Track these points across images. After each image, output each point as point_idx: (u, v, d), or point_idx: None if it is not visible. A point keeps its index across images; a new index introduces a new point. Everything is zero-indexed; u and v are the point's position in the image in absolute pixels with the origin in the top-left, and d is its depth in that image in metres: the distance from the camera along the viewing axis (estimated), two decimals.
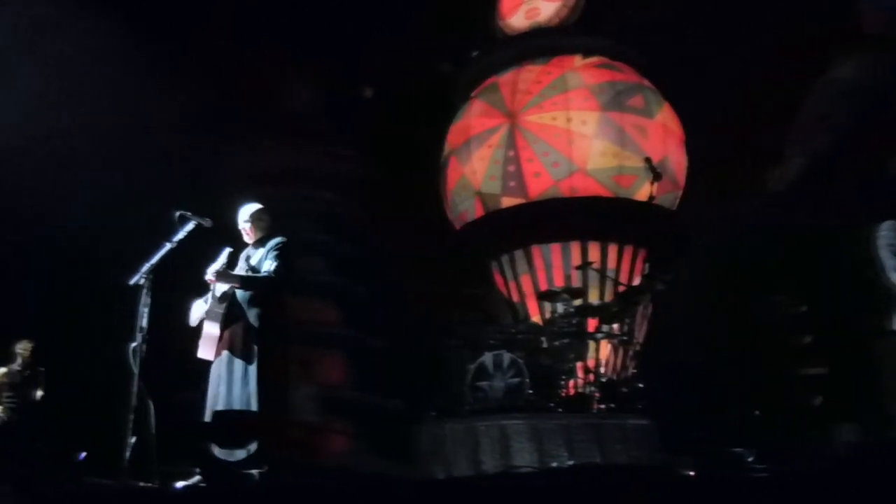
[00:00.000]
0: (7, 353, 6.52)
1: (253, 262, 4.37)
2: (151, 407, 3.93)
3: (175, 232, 4.15)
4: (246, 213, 4.55)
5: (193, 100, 8.71)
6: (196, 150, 9.16)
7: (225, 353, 4.19)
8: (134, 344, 3.87)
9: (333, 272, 10.85)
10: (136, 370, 3.83)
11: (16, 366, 6.46)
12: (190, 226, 4.19)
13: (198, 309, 4.40)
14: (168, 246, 4.11)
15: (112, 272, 4.38)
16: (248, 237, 4.55)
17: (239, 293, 4.29)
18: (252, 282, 4.26)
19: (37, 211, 7.57)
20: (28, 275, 7.73)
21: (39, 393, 6.42)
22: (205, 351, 4.25)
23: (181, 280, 4.55)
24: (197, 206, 4.39)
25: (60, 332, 7.07)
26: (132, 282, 3.97)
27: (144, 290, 3.97)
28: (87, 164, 7.84)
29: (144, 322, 3.93)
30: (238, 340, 4.20)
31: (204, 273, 4.31)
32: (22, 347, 6.50)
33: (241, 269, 4.43)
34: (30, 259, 7.79)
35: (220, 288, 4.28)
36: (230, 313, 4.25)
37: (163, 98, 8.27)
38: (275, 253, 4.31)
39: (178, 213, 4.16)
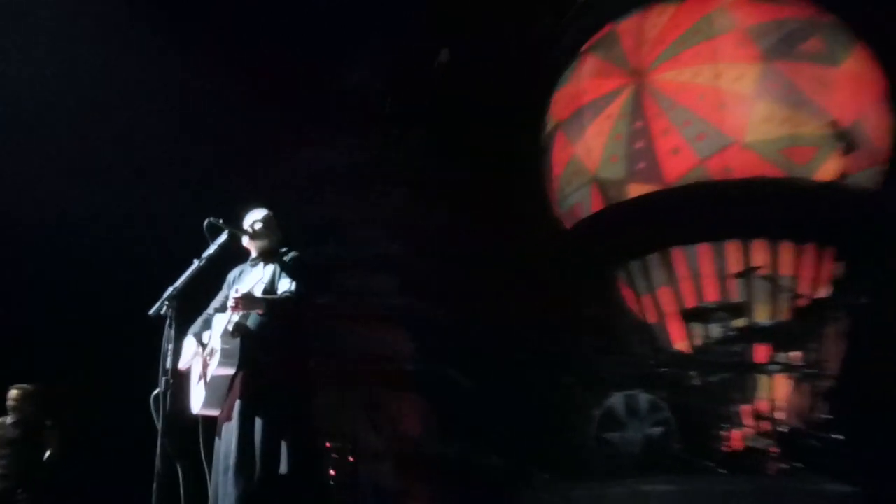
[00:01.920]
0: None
1: (258, 282, 4.45)
2: (181, 472, 4.01)
3: (206, 246, 4.24)
4: (251, 220, 4.66)
5: (241, 88, 9.08)
6: (241, 151, 9.56)
7: (238, 404, 4.20)
8: (157, 391, 3.90)
9: (410, 292, 10.96)
10: (159, 425, 3.86)
11: (9, 419, 6.37)
12: (223, 238, 4.27)
13: (191, 349, 4.47)
14: (196, 264, 4.18)
15: (133, 300, 4.50)
16: (252, 250, 4.68)
17: (253, 323, 4.34)
18: (275, 305, 4.31)
19: (38, 212, 7.90)
20: (30, 300, 8.02)
21: (47, 453, 6.34)
22: (211, 404, 4.30)
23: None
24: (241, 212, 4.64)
25: (73, 376, 7.25)
26: (153, 312, 4.03)
27: (168, 322, 4.00)
28: (114, 160, 8.32)
29: (169, 362, 3.94)
30: (258, 386, 4.23)
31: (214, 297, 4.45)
32: (14, 396, 6.38)
33: (225, 295, 4.58)
34: (31, 282, 8.11)
35: (230, 319, 4.32)
36: (246, 351, 4.27)
37: (211, 88, 8.76)
38: (291, 269, 4.42)
39: (207, 222, 4.24)
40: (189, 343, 4.47)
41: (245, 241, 4.58)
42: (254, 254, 4.65)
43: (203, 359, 4.41)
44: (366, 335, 10.60)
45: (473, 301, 10.58)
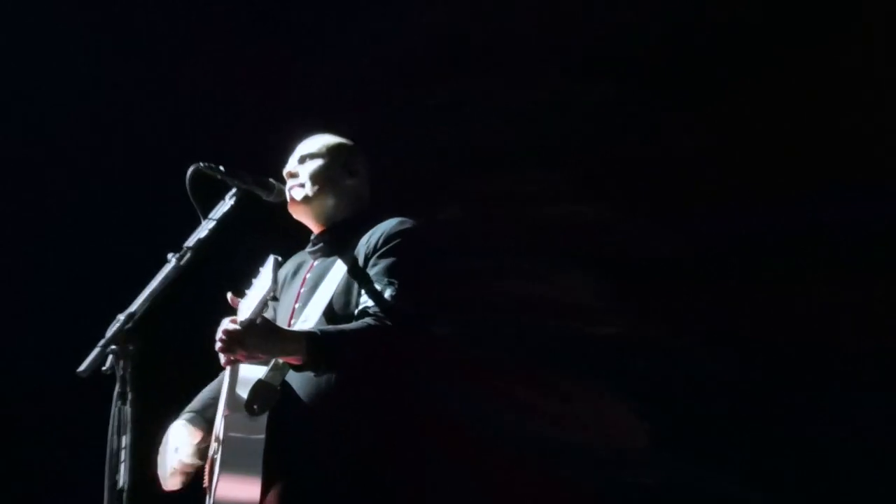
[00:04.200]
0: None
1: (327, 289, 3.93)
2: None
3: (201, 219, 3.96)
4: (297, 157, 4.35)
5: None
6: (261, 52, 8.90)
7: None
8: None
9: (618, 307, 9.34)
10: None
11: None
12: (228, 203, 3.88)
13: (180, 441, 4.13)
14: (173, 263, 3.67)
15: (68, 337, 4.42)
16: (308, 223, 4.31)
17: (300, 384, 3.86)
18: (337, 347, 3.74)
19: None
20: None
21: None
22: None
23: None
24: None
25: None
26: (84, 368, 3.27)
27: (119, 390, 3.30)
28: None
29: (122, 475, 3.22)
30: None
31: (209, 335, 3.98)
32: None
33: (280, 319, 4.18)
34: None
35: (238, 376, 3.85)
36: (281, 444, 3.75)
37: None
38: (390, 260, 3.84)
39: (192, 170, 3.90)
40: (178, 433, 4.01)
41: (293, 209, 4.23)
42: (314, 230, 4.26)
43: (209, 461, 3.95)
44: (535, 400, 9.33)
45: (746, 317, 8.84)
